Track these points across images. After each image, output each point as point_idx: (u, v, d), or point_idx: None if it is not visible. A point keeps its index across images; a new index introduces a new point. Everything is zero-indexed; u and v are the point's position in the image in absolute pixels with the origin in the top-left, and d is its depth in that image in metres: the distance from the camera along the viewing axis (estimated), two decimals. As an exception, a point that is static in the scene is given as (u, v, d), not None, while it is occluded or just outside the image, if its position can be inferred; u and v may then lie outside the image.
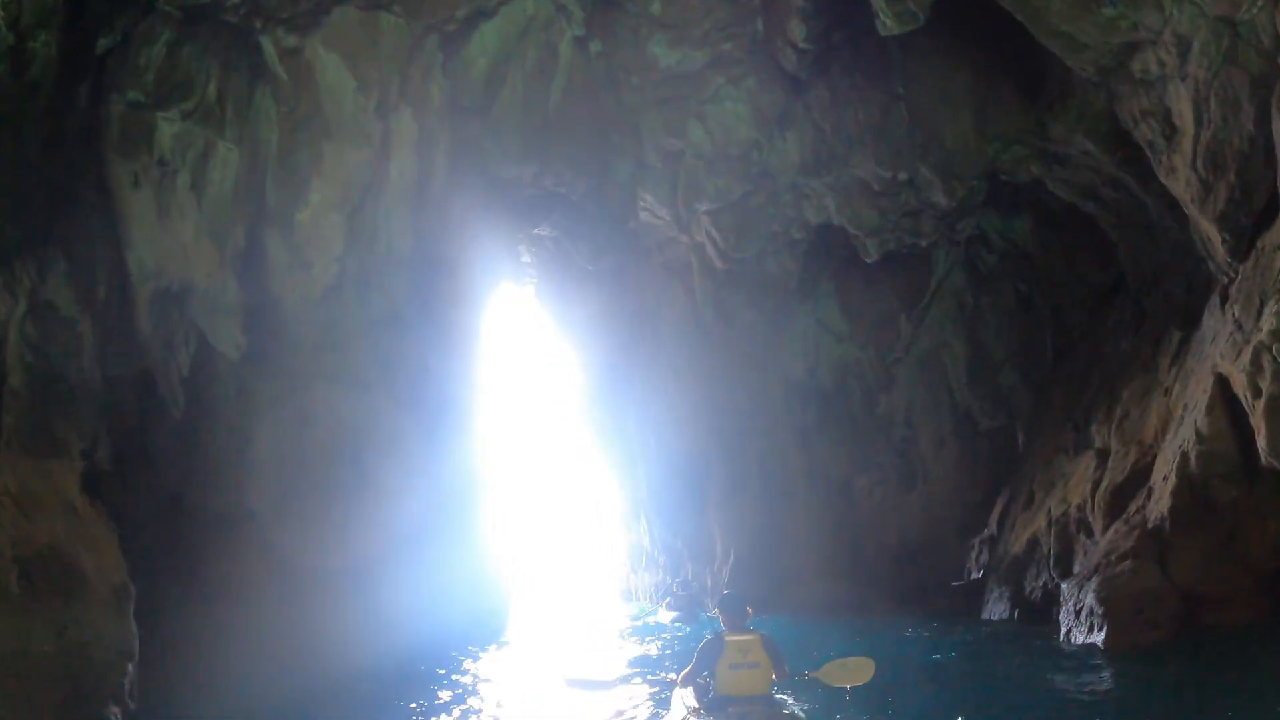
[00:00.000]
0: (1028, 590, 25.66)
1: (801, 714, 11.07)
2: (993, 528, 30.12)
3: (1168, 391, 22.86)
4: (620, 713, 14.71)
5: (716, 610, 11.61)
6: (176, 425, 19.31)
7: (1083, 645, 19.02)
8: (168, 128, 18.52)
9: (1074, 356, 28.64)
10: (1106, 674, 16.89)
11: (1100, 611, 18.93)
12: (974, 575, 30.30)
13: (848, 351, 31.34)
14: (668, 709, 12.32)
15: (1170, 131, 20.27)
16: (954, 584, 30.42)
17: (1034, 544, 25.87)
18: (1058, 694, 15.78)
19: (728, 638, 10.86)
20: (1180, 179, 20.26)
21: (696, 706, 11.08)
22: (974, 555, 30.69)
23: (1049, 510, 25.47)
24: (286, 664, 17.36)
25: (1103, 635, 18.60)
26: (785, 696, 11.86)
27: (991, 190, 26.78)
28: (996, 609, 26.07)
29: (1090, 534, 23.42)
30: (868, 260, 27.86)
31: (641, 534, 37.25)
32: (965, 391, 31.33)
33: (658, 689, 15.26)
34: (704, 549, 33.93)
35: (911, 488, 32.05)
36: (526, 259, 36.40)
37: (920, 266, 29.95)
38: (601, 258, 28.02)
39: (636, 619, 32.55)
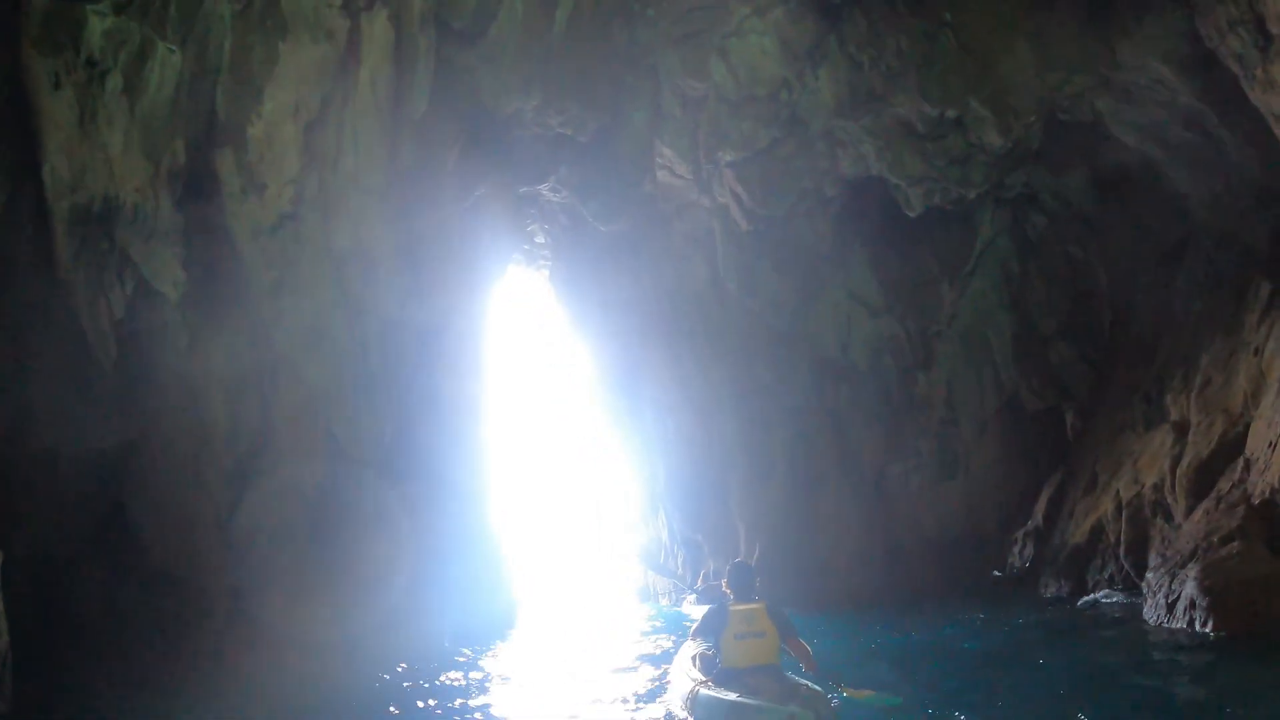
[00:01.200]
0: (1091, 583, 22.24)
1: (815, 686, 10.20)
2: (1038, 518, 26.82)
3: (1258, 351, 19.48)
4: (621, 694, 13.37)
5: (724, 581, 11.01)
6: (110, 383, 15.84)
7: (1179, 641, 15.47)
8: (98, 23, 15.06)
9: (1136, 323, 25.03)
10: (1218, 673, 13.41)
11: (1204, 604, 15.45)
12: (1016, 570, 27.00)
13: (883, 326, 27.64)
14: (666, 691, 11.79)
15: (1264, 40, 17.00)
16: (995, 574, 27.28)
17: (1098, 531, 22.41)
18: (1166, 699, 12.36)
19: (732, 607, 10.43)
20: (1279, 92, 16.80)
21: (704, 679, 10.56)
22: (1017, 548, 27.33)
23: (1117, 493, 21.94)
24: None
25: (1209, 631, 15.14)
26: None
27: (1043, 143, 23.25)
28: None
29: (1169, 517, 20.04)
30: (910, 214, 24.21)
31: (659, 528, 33.58)
32: (1011, 369, 27.66)
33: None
34: (726, 542, 30.27)
35: (951, 476, 28.40)
36: (540, 239, 33.15)
37: (963, 229, 26.34)
38: (616, 218, 24.52)
39: (655, 619, 29.04)
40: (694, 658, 11.54)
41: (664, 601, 33.44)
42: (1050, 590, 23.40)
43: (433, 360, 20.79)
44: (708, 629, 10.63)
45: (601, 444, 36.10)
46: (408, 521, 19.12)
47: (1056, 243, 26.41)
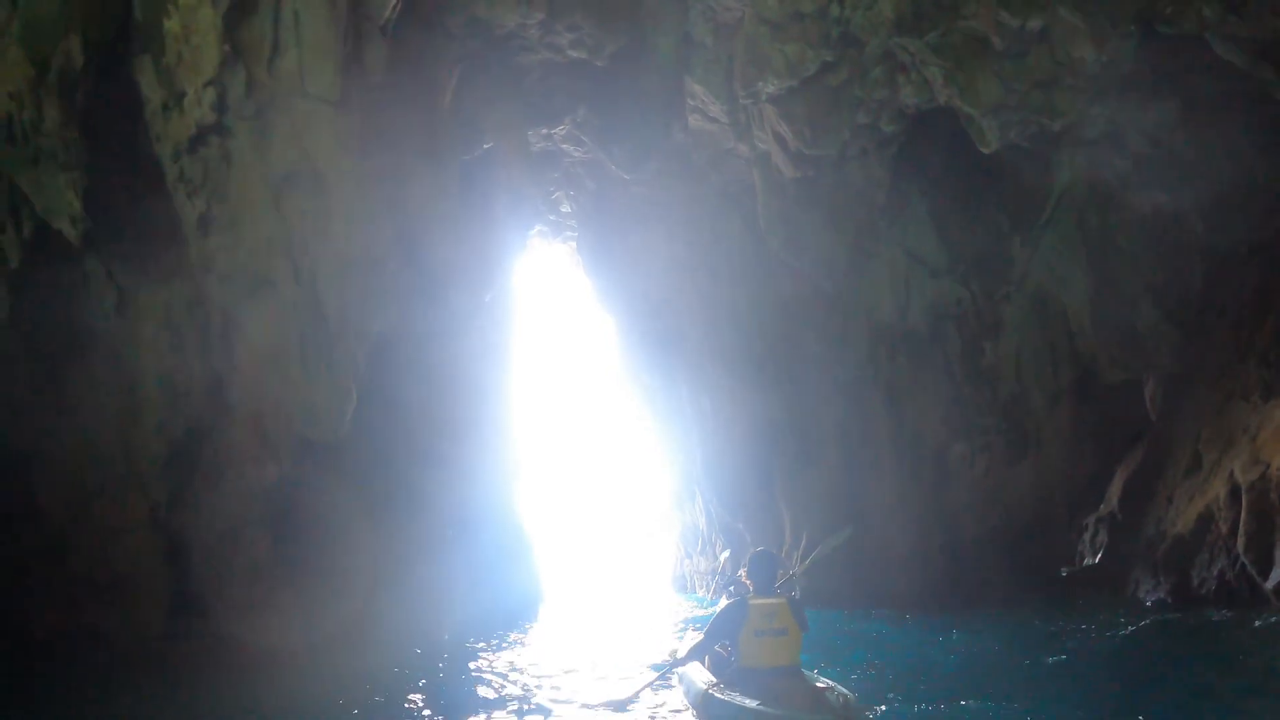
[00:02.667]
0: (1196, 581, 18.35)
1: (845, 689, 8.90)
2: (1112, 503, 22.95)
3: None
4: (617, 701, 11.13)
5: (744, 571, 9.77)
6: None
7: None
8: (-30, -108, 11.42)
9: (1240, 279, 21.05)
10: None
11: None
12: (1087, 561, 23.12)
13: (945, 288, 23.68)
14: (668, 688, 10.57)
15: None
16: (1063, 570, 23.32)
17: (1206, 521, 18.43)
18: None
19: (752, 601, 9.12)
20: None
21: (715, 681, 9.29)
22: (1088, 536, 23.60)
23: (1231, 475, 18.01)
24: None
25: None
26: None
27: (1133, 67, 19.25)
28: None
29: (1302, 504, 16.11)
30: (985, 150, 20.17)
31: (696, 514, 29.83)
32: (1089, 335, 23.54)
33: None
34: (769, 531, 26.52)
35: (1020, 456, 24.47)
36: (566, 207, 29.63)
37: (1036, 176, 22.33)
38: (643, 165, 20.91)
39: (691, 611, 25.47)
40: (695, 650, 10.11)
41: (701, 592, 29.75)
42: (1145, 591, 19.60)
43: (428, 328, 17.26)
44: (724, 627, 9.29)
45: (634, 424, 32.40)
46: (392, 514, 15.67)
47: (1142, 189, 22.22)
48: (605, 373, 32.73)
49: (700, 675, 9.72)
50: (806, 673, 9.28)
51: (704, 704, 9.35)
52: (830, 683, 9.09)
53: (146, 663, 13.10)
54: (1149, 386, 23.49)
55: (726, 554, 27.62)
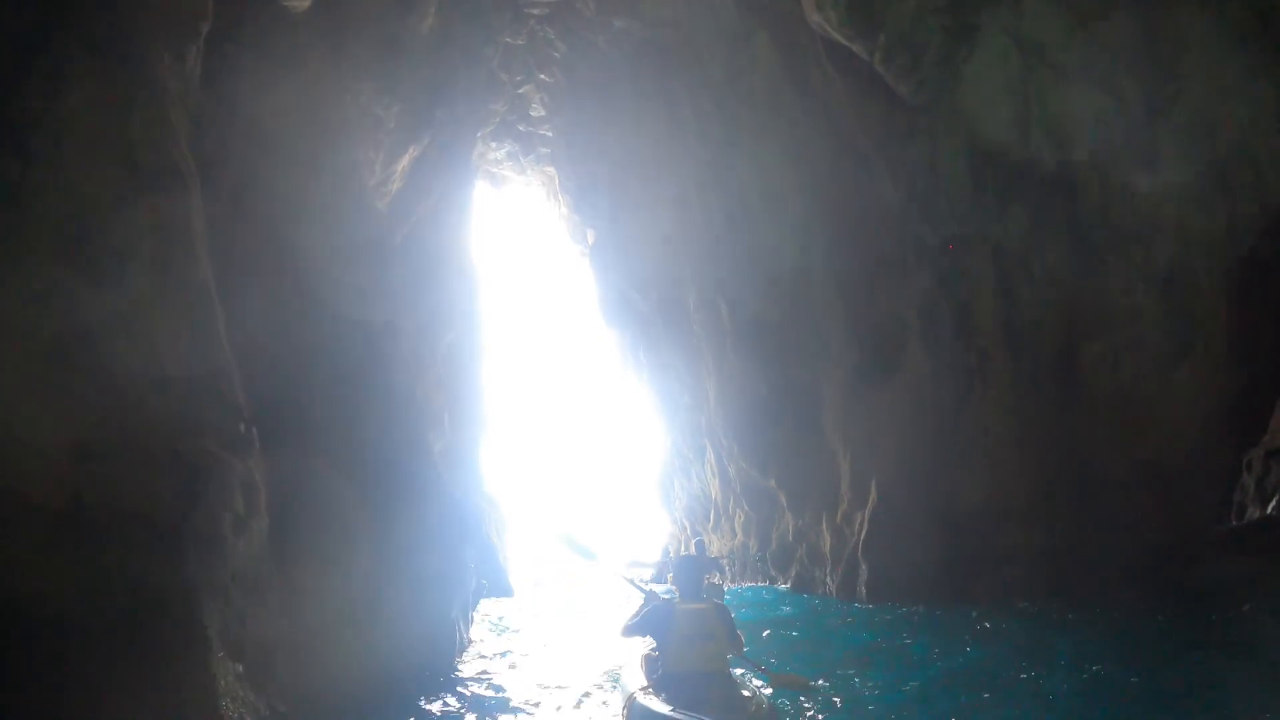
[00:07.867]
0: None
1: (764, 694, 8.50)
2: None
3: None
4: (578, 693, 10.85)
5: (670, 576, 9.41)
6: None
7: None
8: None
9: None
10: None
11: None
12: (1251, 513, 16.87)
13: (1079, 100, 14.95)
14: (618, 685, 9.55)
15: None
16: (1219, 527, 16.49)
17: None
18: None
19: (680, 606, 8.61)
20: None
21: (646, 685, 8.54)
22: (1253, 477, 16.76)
23: None
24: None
25: None
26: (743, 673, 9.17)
27: None
28: None
29: None
30: None
31: (708, 477, 20.85)
32: (1272, 168, 14.95)
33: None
34: (817, 487, 17.77)
35: (1181, 356, 15.63)
36: (538, 110, 21.86)
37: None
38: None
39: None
40: (644, 658, 9.19)
41: (716, 579, 20.84)
42: None
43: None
44: (650, 626, 8.50)
45: (619, 379, 23.56)
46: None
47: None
48: (582, 324, 23.92)
49: (634, 677, 8.71)
50: (736, 676, 8.53)
51: (628, 709, 8.27)
52: (755, 690, 8.38)
53: None
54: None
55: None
